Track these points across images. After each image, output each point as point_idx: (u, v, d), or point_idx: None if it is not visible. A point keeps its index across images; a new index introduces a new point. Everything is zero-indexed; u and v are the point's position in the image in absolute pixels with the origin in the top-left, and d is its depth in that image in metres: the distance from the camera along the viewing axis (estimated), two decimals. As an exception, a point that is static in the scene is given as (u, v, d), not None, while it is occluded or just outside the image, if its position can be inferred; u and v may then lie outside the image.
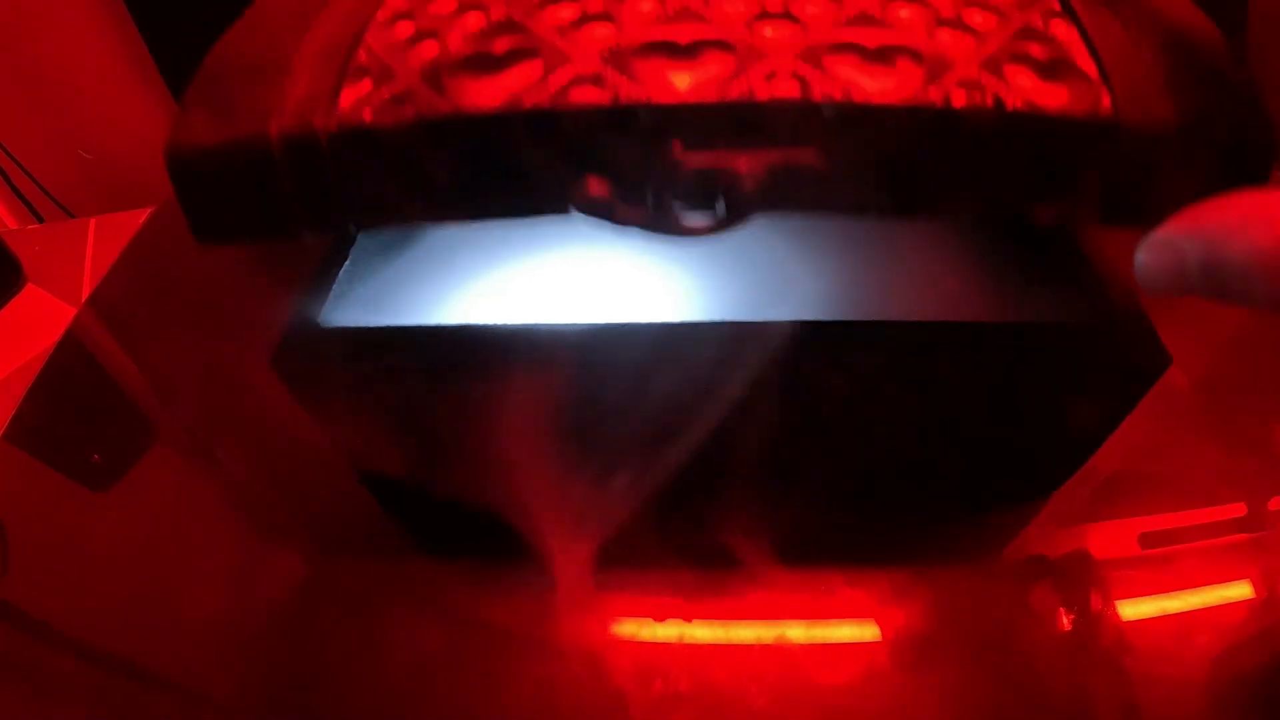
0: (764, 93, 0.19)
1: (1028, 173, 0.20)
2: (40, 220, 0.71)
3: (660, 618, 0.24)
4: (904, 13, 0.21)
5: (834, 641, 0.24)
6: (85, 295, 0.56)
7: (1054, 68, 0.20)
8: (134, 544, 0.34)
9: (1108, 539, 0.27)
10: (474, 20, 0.21)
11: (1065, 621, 0.24)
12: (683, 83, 0.19)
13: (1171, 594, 0.26)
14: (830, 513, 0.27)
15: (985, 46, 0.20)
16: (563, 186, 0.19)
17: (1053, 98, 0.20)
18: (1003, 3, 0.21)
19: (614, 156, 0.19)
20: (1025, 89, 0.20)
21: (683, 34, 0.20)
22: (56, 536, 0.36)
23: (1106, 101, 0.20)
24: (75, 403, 0.45)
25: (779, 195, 0.20)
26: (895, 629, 0.24)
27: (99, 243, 0.62)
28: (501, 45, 0.20)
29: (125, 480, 0.40)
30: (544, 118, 0.19)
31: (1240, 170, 0.20)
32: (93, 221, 0.63)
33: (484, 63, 0.20)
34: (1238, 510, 0.28)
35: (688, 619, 0.24)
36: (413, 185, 0.21)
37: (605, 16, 0.21)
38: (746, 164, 0.19)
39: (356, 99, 0.20)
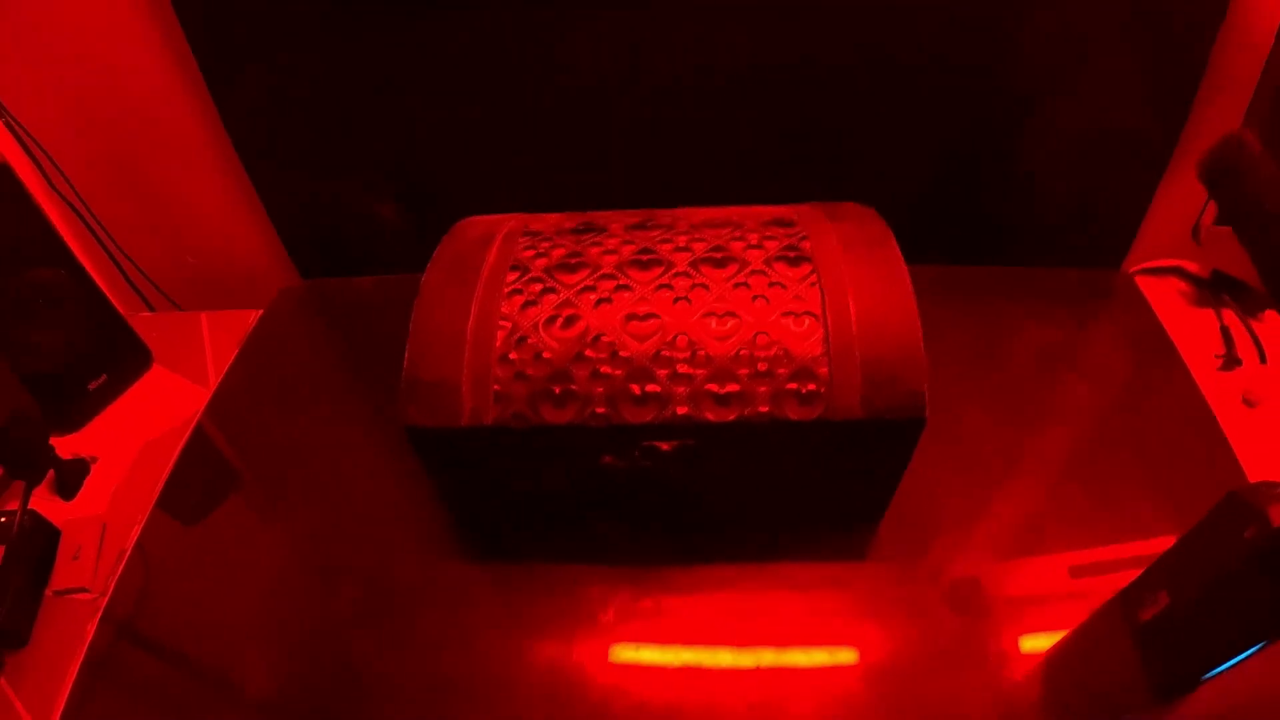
0: (672, 418, 0.46)
1: (785, 439, 0.48)
2: (151, 309, 0.91)
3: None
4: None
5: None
6: (209, 376, 0.78)
7: (807, 398, 0.47)
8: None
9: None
10: (549, 344, 0.47)
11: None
12: (638, 416, 0.46)
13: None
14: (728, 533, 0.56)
15: (774, 383, 0.47)
16: (593, 455, 0.47)
17: (798, 413, 0.47)
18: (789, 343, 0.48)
19: (612, 441, 0.46)
20: (788, 409, 0.47)
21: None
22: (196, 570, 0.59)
23: (822, 409, 0.47)
24: (210, 473, 0.67)
25: (679, 457, 0.47)
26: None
27: (213, 332, 0.83)
28: (559, 388, 0.46)
29: (249, 526, 0.63)
30: (580, 430, 0.46)
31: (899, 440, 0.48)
32: (205, 315, 0.84)
33: (553, 397, 0.46)
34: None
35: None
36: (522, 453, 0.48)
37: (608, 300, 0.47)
38: (666, 445, 0.47)
39: (497, 414, 0.46)
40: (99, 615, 0.57)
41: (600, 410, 0.46)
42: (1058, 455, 0.65)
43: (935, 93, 0.74)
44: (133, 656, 0.55)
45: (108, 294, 0.77)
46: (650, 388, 0.46)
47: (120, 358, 0.79)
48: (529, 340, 0.47)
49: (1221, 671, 0.46)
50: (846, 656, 0.52)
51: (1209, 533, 0.46)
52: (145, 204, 0.86)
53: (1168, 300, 0.81)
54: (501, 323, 0.48)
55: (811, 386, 0.46)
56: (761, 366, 0.46)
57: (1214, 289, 0.81)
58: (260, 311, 0.81)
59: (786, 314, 0.48)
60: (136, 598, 0.59)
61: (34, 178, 0.77)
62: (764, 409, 0.46)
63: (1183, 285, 0.83)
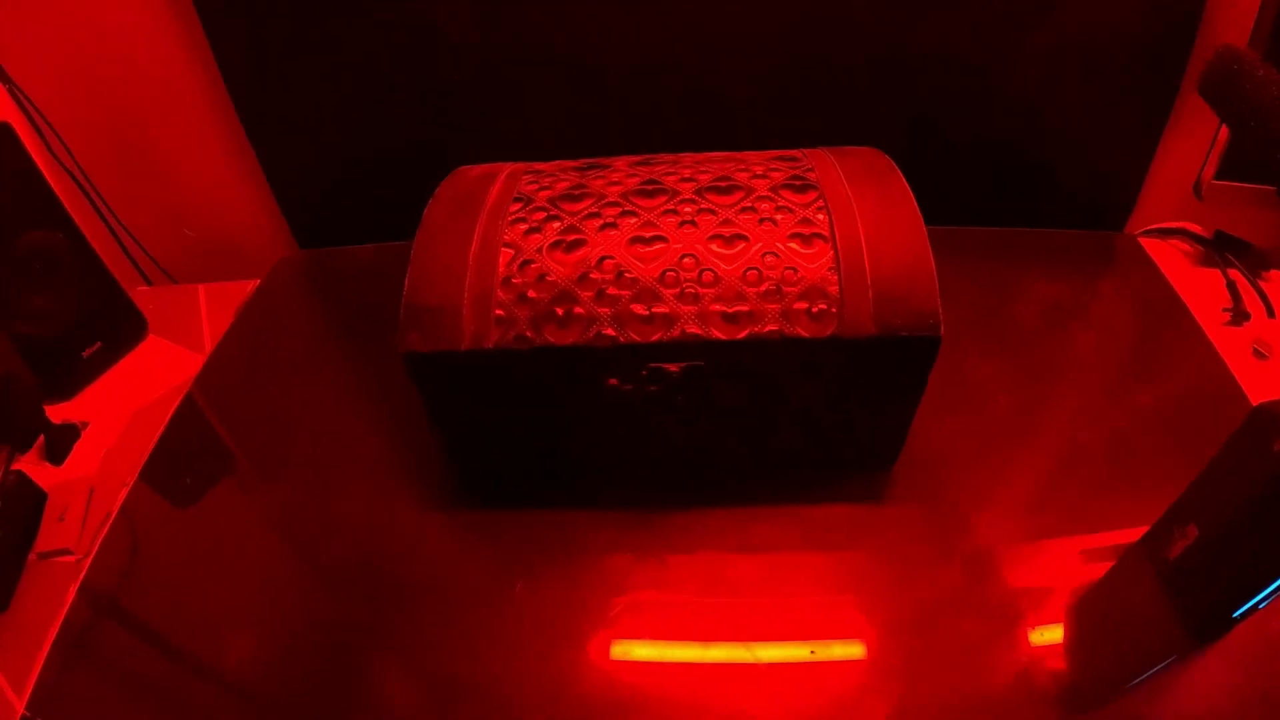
0: (680, 336, 0.45)
1: (796, 364, 0.47)
2: (149, 283, 0.90)
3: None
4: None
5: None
6: (205, 345, 0.77)
7: (818, 317, 0.46)
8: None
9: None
10: (553, 271, 0.46)
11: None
12: (645, 334, 0.45)
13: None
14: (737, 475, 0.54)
15: (784, 301, 0.46)
16: (598, 380, 0.45)
17: (809, 330, 0.46)
18: (797, 261, 0.47)
19: (618, 363, 0.45)
20: (799, 327, 0.45)
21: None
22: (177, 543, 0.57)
23: (834, 327, 0.46)
24: (202, 434, 0.66)
25: (687, 380, 0.46)
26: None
27: (210, 303, 0.82)
28: (563, 310, 0.45)
29: (244, 485, 0.61)
30: (585, 351, 0.45)
31: (914, 362, 0.46)
32: (202, 287, 0.83)
33: (557, 319, 0.45)
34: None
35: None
36: (525, 378, 0.46)
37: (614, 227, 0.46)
38: (673, 367, 0.45)
39: (499, 337, 0.45)
40: (80, 578, 0.55)
41: (606, 331, 0.45)
42: (1072, 408, 0.63)
43: (935, 55, 0.74)
44: (113, 621, 0.53)
45: (105, 262, 0.76)
46: (657, 308, 0.45)
47: (116, 325, 0.78)
48: (533, 264, 0.46)
49: (1258, 604, 0.44)
50: (865, 605, 0.50)
51: (1235, 454, 0.45)
52: (144, 172, 0.85)
53: (1172, 261, 0.80)
54: (504, 249, 0.47)
55: (822, 305, 0.45)
56: (770, 286, 0.45)
57: (1218, 249, 0.80)
58: (258, 282, 0.80)
59: (794, 236, 0.47)
60: (119, 561, 0.56)
61: (34, 143, 0.76)
62: (774, 327, 0.45)
63: (1186, 246, 0.82)
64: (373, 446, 0.61)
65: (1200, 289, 0.75)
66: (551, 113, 0.78)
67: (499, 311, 0.45)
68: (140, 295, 0.80)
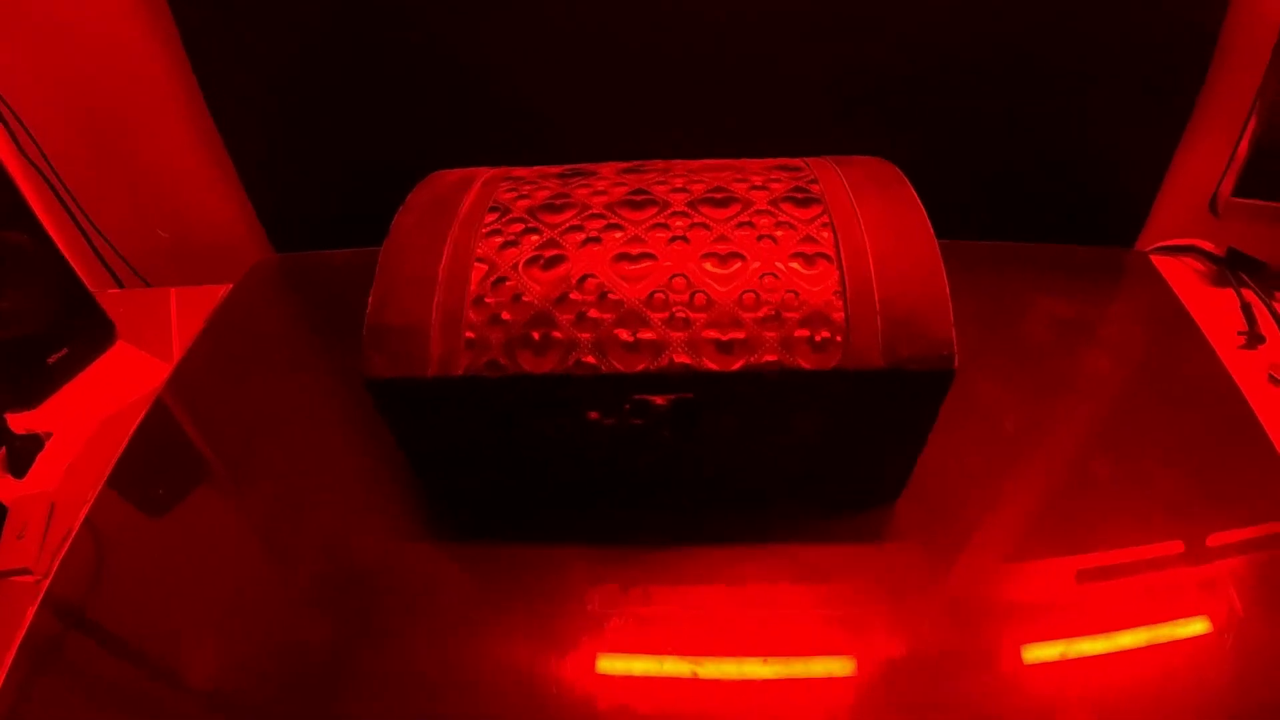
0: (668, 367, 0.39)
1: (796, 397, 0.41)
2: (120, 285, 0.84)
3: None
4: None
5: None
6: (174, 353, 0.71)
7: (821, 346, 0.40)
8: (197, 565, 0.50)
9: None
10: (528, 297, 0.40)
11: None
12: (630, 364, 0.39)
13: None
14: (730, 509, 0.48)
15: (784, 329, 0.40)
16: (577, 412, 0.39)
17: (811, 361, 0.40)
18: (799, 285, 0.41)
19: (599, 394, 0.39)
20: (800, 358, 0.39)
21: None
22: (151, 545, 0.52)
23: (838, 358, 0.40)
24: (169, 445, 0.60)
25: (675, 414, 0.40)
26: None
27: (181, 308, 0.76)
28: (539, 334, 0.39)
29: (208, 500, 0.55)
30: (563, 380, 0.39)
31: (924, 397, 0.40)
32: (173, 291, 0.77)
33: (533, 344, 0.39)
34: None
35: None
36: (497, 408, 0.40)
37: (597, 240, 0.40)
38: (660, 399, 0.39)
39: (469, 362, 0.39)
40: (40, 598, 0.50)
41: (586, 359, 0.39)
42: (1082, 432, 0.57)
43: (941, 64, 0.69)
44: (73, 645, 0.47)
45: (73, 264, 0.70)
46: (643, 333, 0.39)
47: (82, 331, 0.72)
48: (507, 282, 0.40)
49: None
50: (860, 651, 0.44)
51: None
52: (117, 173, 0.79)
53: (1184, 279, 0.74)
54: (477, 264, 0.41)
55: (825, 333, 0.39)
56: (769, 311, 0.39)
57: (1231, 268, 0.75)
58: (230, 286, 0.74)
59: (796, 255, 0.41)
60: (81, 580, 0.51)
61: (3, 141, 0.70)
62: (772, 357, 0.39)
63: (1198, 264, 0.77)
64: (346, 461, 0.56)
65: (1213, 309, 0.70)
66: (537, 114, 0.72)
67: (469, 334, 0.39)
68: (109, 298, 0.74)
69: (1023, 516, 0.51)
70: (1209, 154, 0.72)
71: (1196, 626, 0.44)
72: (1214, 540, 0.49)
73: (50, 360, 0.70)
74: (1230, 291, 0.72)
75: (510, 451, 0.44)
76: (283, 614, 0.48)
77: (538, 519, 0.50)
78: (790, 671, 0.42)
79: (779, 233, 0.41)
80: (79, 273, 0.71)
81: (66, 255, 0.70)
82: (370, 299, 0.41)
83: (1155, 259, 0.76)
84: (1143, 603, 0.46)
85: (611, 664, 0.43)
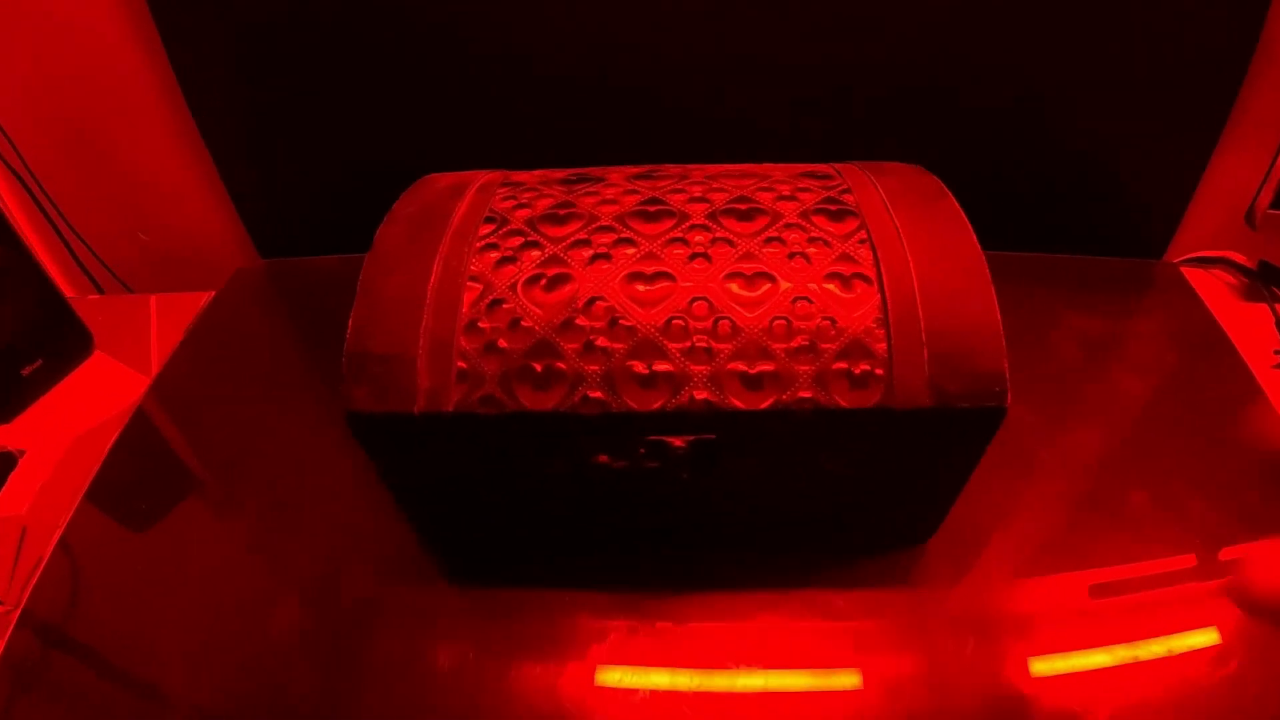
0: (688, 405, 0.34)
1: (830, 437, 0.36)
2: (101, 292, 0.78)
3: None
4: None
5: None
6: (153, 364, 0.66)
7: (861, 381, 0.34)
8: (181, 582, 0.46)
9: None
10: (527, 326, 0.35)
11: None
12: (645, 402, 0.34)
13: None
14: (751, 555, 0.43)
15: (819, 361, 0.34)
16: (584, 454, 0.34)
17: (849, 399, 0.34)
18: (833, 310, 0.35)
19: (610, 435, 0.34)
20: (837, 395, 0.34)
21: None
22: (126, 578, 0.47)
23: (879, 394, 0.34)
24: (146, 466, 0.55)
25: (695, 456, 0.35)
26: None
27: (161, 316, 0.70)
28: (541, 365, 0.34)
29: (184, 529, 0.50)
30: (568, 419, 0.33)
31: (972, 436, 0.35)
32: (154, 298, 0.71)
33: (534, 377, 0.34)
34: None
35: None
36: (493, 448, 0.35)
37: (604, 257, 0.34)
38: (679, 441, 0.34)
39: (461, 398, 0.33)
40: (9, 633, 0.44)
41: (595, 394, 0.33)
42: (1114, 457, 0.52)
43: (970, 74, 0.63)
44: (43, 682, 0.42)
45: (49, 271, 0.65)
46: (659, 365, 0.34)
47: (58, 342, 0.66)
48: (504, 304, 0.35)
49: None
50: (891, 707, 0.39)
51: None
52: (97, 176, 0.73)
53: (1215, 293, 0.69)
54: (470, 283, 0.35)
55: (865, 366, 0.34)
56: (803, 341, 0.34)
57: (1264, 281, 0.70)
58: (212, 294, 0.68)
59: (832, 276, 0.35)
60: (52, 611, 0.46)
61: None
62: (806, 394, 0.33)
63: (1229, 277, 0.72)
64: (333, 487, 0.50)
65: (1246, 324, 0.65)
66: (539, 115, 0.66)
67: (461, 364, 0.34)
68: (87, 306, 0.69)
69: (1058, 553, 0.46)
70: (1243, 163, 0.67)
71: (1238, 662, 0.39)
72: (1256, 572, 0.44)
73: (24, 372, 0.64)
74: (1264, 307, 0.67)
75: (507, 494, 0.39)
76: (265, 659, 0.43)
77: (538, 561, 0.44)
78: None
79: (812, 250, 0.36)
80: (57, 279, 0.65)
81: (44, 261, 0.64)
82: (350, 323, 0.35)
83: (1185, 271, 0.70)
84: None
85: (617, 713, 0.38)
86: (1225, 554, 0.45)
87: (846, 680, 0.40)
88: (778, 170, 0.42)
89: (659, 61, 0.64)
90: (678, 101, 0.66)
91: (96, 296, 0.76)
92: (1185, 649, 0.41)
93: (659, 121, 0.66)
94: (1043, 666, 0.40)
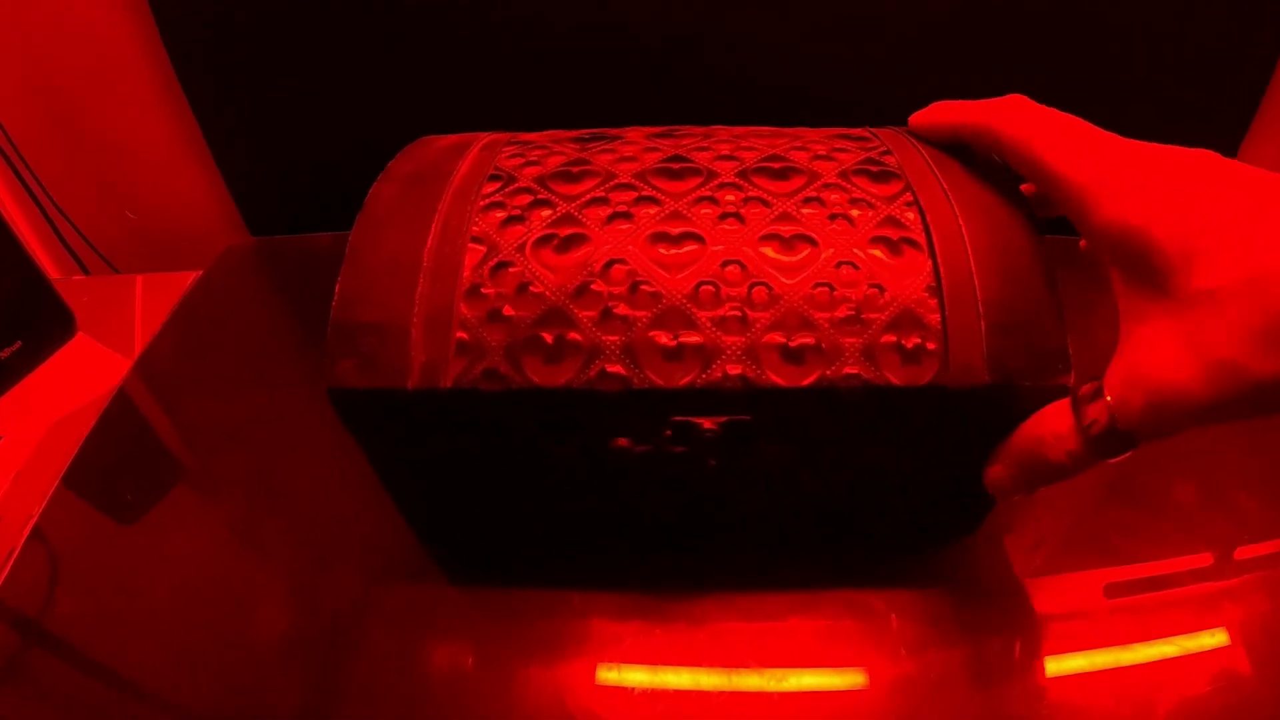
0: (720, 381, 0.29)
1: (877, 418, 0.31)
2: (86, 272, 0.73)
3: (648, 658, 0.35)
4: (807, 211, 0.30)
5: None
6: (136, 347, 0.61)
7: (913, 355, 0.29)
8: (167, 575, 0.42)
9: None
10: (532, 293, 0.30)
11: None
12: (670, 377, 0.29)
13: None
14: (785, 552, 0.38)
15: (867, 333, 0.29)
16: (600, 437, 0.28)
17: (901, 376, 0.29)
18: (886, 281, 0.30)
19: (630, 415, 0.28)
20: (888, 370, 0.29)
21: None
22: (103, 572, 0.43)
23: (935, 369, 0.29)
24: (126, 452, 0.51)
25: (727, 440, 0.30)
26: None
27: (147, 297, 0.65)
28: (552, 335, 0.29)
29: (165, 520, 0.46)
30: (583, 397, 0.28)
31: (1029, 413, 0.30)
32: (140, 278, 0.66)
33: (544, 348, 0.29)
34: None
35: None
36: (496, 430, 0.30)
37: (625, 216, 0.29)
38: (709, 423, 0.29)
39: (461, 371, 0.28)
40: None
41: (613, 369, 0.28)
42: (1160, 450, 0.48)
43: (995, 65, 0.59)
44: (15, 673, 0.38)
45: (32, 252, 0.60)
46: (687, 337, 0.29)
47: (38, 323, 0.62)
48: (511, 267, 0.30)
49: None
50: (933, 709, 0.34)
51: None
52: (82, 150, 0.68)
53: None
54: (473, 245, 0.30)
55: (917, 339, 0.29)
56: (848, 310, 0.29)
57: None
58: (198, 274, 0.63)
59: (878, 240, 0.30)
60: (25, 603, 0.41)
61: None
62: (853, 369, 0.29)
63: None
64: (322, 476, 0.45)
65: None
66: (546, 83, 0.61)
67: (461, 334, 0.29)
68: (70, 286, 0.64)
69: (1105, 548, 0.42)
70: (1265, 161, 0.63)
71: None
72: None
73: (2, 355, 0.60)
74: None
75: (511, 482, 0.34)
76: (250, 654, 0.38)
77: (543, 556, 0.39)
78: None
79: (855, 211, 0.31)
80: (42, 260, 0.61)
81: (26, 239, 0.60)
82: (337, 288, 0.30)
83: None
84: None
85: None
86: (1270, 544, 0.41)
87: (884, 681, 0.35)
88: (808, 132, 0.37)
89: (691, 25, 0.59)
90: (693, 70, 0.61)
91: (81, 277, 0.71)
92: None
93: (683, 86, 0.61)
94: (1094, 663, 0.36)
